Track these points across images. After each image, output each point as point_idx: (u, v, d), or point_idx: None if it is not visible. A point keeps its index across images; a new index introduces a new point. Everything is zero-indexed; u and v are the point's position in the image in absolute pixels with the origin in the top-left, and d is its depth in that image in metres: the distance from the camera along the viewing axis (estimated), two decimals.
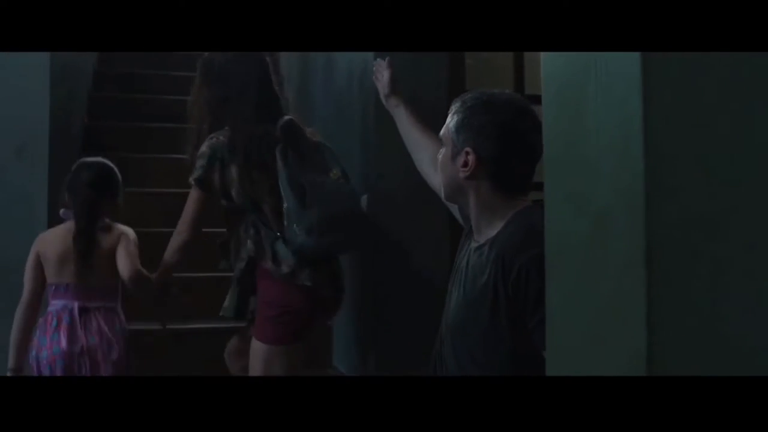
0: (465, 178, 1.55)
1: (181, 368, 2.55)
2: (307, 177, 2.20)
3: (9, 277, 2.38)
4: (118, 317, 2.28)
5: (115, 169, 2.38)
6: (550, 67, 1.02)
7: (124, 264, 2.24)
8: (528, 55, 2.71)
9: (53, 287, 2.25)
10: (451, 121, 1.58)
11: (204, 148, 2.27)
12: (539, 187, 1.13)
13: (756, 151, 0.82)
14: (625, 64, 0.83)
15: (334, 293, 2.33)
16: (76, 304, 2.21)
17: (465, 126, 1.54)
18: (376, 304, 2.68)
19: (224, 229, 2.38)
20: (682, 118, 0.81)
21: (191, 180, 2.27)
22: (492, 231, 1.54)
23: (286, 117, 2.32)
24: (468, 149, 1.53)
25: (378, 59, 2.10)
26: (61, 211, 2.34)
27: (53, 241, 2.28)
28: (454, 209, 1.80)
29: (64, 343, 2.16)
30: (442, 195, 1.71)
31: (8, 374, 2.20)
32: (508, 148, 1.53)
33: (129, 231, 2.32)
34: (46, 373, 2.18)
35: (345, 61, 3.13)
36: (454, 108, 1.59)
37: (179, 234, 2.30)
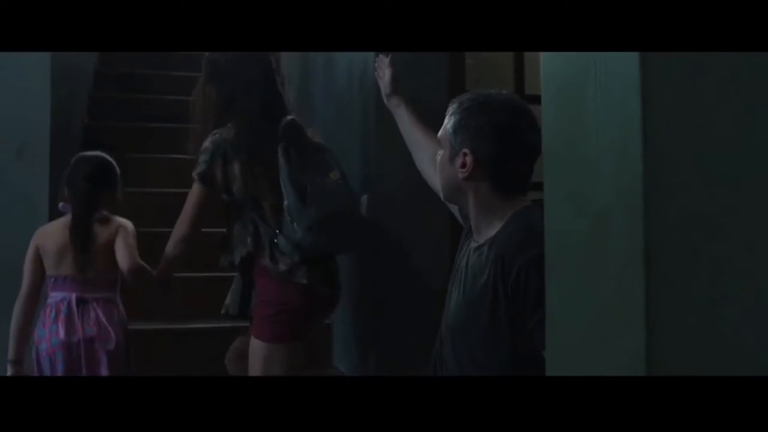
0: (463, 179, 1.55)
1: (181, 368, 2.55)
2: (308, 176, 2.21)
3: (10, 276, 2.38)
4: (116, 308, 2.29)
5: (114, 163, 2.38)
6: (550, 67, 1.02)
7: (122, 256, 2.25)
8: (528, 55, 2.71)
9: (52, 279, 2.26)
10: (448, 122, 1.58)
11: (207, 143, 2.27)
12: (539, 187, 1.12)
13: (756, 151, 0.83)
14: (625, 64, 0.83)
15: (330, 291, 2.33)
16: (74, 296, 2.22)
17: (462, 127, 1.54)
18: (376, 304, 2.68)
19: (224, 229, 2.39)
20: (681, 118, 0.81)
21: (194, 175, 2.27)
22: (491, 231, 1.54)
23: (289, 117, 2.33)
24: (466, 150, 1.53)
25: (380, 55, 2.11)
26: (61, 204, 2.35)
27: (52, 233, 2.29)
28: (454, 209, 1.80)
29: (62, 333, 2.17)
30: (442, 195, 1.71)
31: (8, 366, 2.21)
32: (506, 149, 1.53)
33: (127, 223, 2.33)
34: (46, 365, 2.19)
35: (345, 61, 3.13)
36: (451, 109, 1.59)
37: (180, 228, 2.31)
